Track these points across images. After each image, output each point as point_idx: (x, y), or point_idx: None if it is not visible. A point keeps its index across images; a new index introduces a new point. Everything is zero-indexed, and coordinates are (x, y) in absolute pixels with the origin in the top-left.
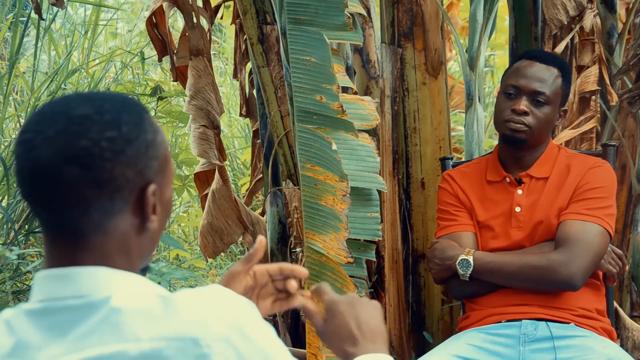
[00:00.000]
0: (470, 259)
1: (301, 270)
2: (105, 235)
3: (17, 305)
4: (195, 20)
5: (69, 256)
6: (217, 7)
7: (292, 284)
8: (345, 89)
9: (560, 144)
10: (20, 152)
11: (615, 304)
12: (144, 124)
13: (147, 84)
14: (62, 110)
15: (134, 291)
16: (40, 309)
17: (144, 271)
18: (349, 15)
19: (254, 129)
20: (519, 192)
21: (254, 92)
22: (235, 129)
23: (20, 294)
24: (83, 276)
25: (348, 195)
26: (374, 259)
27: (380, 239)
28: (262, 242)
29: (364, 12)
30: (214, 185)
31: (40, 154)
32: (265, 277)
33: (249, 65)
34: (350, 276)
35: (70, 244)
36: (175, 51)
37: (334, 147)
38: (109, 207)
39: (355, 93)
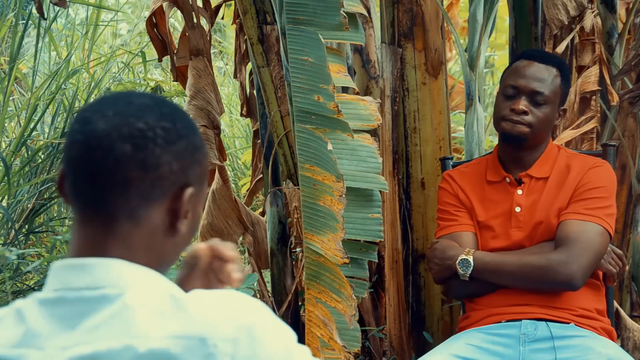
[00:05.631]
0: (470, 258)
1: (224, 252)
2: (135, 224)
3: (31, 294)
4: (195, 20)
5: (95, 241)
6: (218, 7)
7: (231, 268)
8: (346, 89)
9: (561, 144)
10: (75, 128)
11: (616, 305)
12: (195, 130)
13: (148, 84)
14: (123, 97)
15: (148, 288)
16: (54, 299)
17: None
18: (344, 15)
19: (254, 129)
20: (519, 192)
21: (254, 92)
22: (236, 129)
23: (20, 294)
24: (100, 268)
25: (344, 195)
26: (377, 260)
27: (382, 239)
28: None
29: (364, 12)
30: (214, 185)
31: (95, 128)
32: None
33: (250, 65)
34: (352, 277)
35: (100, 226)
36: (175, 51)
37: (330, 147)
38: (148, 193)
39: (357, 93)
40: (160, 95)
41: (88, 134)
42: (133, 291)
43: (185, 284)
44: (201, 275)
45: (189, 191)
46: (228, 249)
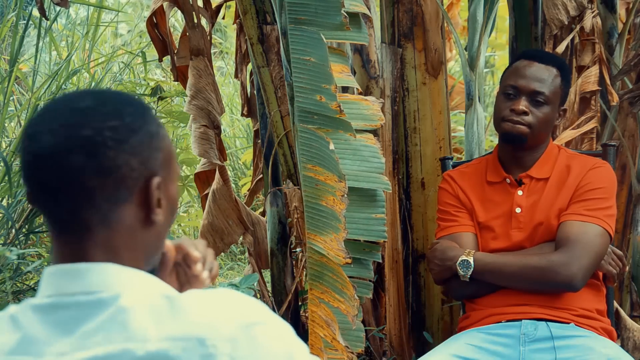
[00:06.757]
0: (471, 259)
1: (190, 251)
2: (110, 228)
3: (24, 300)
4: (195, 20)
5: (76, 251)
6: (218, 7)
7: (197, 268)
8: (346, 89)
9: (561, 144)
10: (24, 146)
11: (616, 305)
12: (147, 117)
13: (148, 84)
14: (64, 105)
15: (143, 290)
16: (48, 305)
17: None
18: (345, 14)
19: (255, 129)
20: (519, 193)
21: (255, 92)
22: (237, 129)
23: (20, 294)
24: (93, 272)
25: (346, 195)
26: (380, 261)
27: (386, 240)
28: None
29: (367, 12)
30: (214, 185)
31: (43, 144)
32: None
33: (251, 65)
34: (356, 277)
35: (77, 238)
36: (175, 51)
37: (332, 147)
38: (114, 197)
39: (360, 93)
40: (104, 89)
41: (36, 153)
42: (128, 294)
43: None
44: (170, 274)
45: (156, 181)
46: (194, 247)
